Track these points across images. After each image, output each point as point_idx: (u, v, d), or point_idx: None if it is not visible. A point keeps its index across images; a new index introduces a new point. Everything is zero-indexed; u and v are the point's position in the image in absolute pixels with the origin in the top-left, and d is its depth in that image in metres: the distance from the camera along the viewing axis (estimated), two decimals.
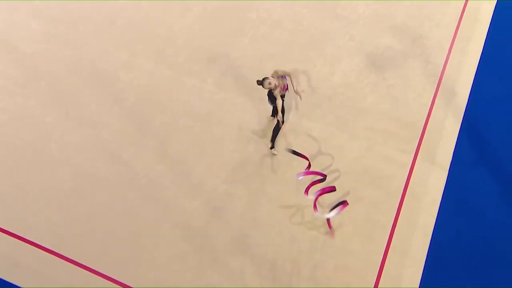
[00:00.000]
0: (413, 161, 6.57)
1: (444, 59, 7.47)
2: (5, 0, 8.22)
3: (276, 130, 6.45)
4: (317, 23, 7.88)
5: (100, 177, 6.52)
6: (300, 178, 5.93)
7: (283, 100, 6.11)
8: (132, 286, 5.78)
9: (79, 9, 8.16)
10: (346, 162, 6.59)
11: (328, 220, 5.97)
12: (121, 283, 5.81)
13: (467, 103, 7.06)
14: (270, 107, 6.45)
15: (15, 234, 6.10)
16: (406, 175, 6.47)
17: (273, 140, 6.56)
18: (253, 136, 6.80)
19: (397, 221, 6.16)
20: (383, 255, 5.99)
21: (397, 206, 6.27)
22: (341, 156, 6.64)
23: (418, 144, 6.70)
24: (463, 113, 6.96)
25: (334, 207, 5.86)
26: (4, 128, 6.95)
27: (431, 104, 7.04)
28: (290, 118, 6.88)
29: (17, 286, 5.74)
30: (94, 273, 5.85)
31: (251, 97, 7.04)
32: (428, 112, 6.97)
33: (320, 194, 5.77)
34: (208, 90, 7.25)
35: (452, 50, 7.56)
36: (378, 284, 5.82)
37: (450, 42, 7.63)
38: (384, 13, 8.04)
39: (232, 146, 6.75)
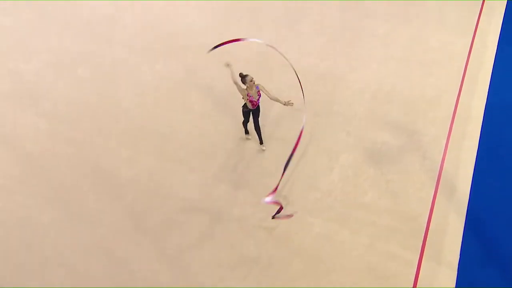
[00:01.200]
0: (419, 260, 6.28)
1: (442, 154, 7.55)
2: (14, 100, 8.66)
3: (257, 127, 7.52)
4: (314, 120, 8.13)
5: (93, 276, 6.25)
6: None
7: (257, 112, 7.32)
8: None
9: (85, 109, 8.54)
10: (348, 259, 6.33)
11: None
12: None
13: (469, 198, 6.96)
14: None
15: None
16: (413, 275, 6.15)
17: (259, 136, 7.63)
18: (252, 231, 6.64)
19: None
20: None
21: None
22: (343, 253, 6.40)
23: (423, 242, 6.47)
24: (466, 209, 6.83)
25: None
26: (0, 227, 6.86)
27: (432, 200, 6.95)
28: (289, 213, 6.78)
29: None
30: None
31: (252, 191, 7.02)
32: (430, 208, 6.85)
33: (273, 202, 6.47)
34: (208, 184, 7.26)
35: (449, 146, 7.67)
36: None
37: (446, 138, 7.78)
38: (378, 110, 8.35)
39: (231, 242, 6.56)
